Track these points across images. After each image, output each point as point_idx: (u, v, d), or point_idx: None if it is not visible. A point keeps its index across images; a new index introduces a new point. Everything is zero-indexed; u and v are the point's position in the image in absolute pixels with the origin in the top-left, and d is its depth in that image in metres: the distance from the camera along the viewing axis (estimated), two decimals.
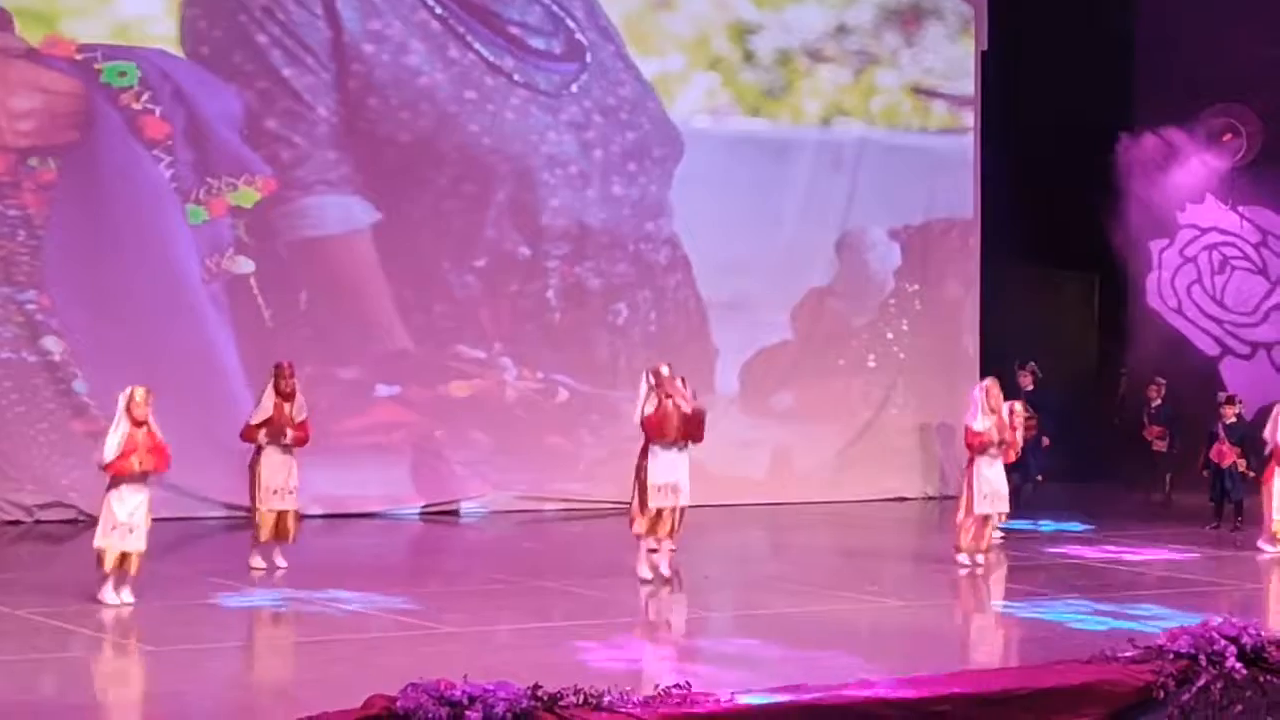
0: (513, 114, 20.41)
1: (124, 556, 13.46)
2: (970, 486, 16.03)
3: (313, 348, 19.20)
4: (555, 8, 20.69)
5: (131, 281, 18.81)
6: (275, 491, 15.31)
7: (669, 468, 14.82)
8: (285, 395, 15.33)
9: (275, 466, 15.34)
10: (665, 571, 14.91)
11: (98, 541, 13.50)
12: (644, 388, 14.90)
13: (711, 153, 21.56)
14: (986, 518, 16.12)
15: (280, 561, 15.39)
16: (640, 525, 14.86)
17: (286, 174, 19.47)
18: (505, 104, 20.38)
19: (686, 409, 14.80)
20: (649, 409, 14.74)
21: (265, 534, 15.36)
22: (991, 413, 16.09)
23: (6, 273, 18.46)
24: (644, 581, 14.81)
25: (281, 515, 15.36)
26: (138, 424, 13.43)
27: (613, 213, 20.97)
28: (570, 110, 20.75)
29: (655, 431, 14.76)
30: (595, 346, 20.94)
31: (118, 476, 13.47)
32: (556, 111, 20.67)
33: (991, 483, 16.04)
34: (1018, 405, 17.72)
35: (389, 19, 19.85)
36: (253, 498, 15.42)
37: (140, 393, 13.50)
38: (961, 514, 16.13)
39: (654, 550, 14.92)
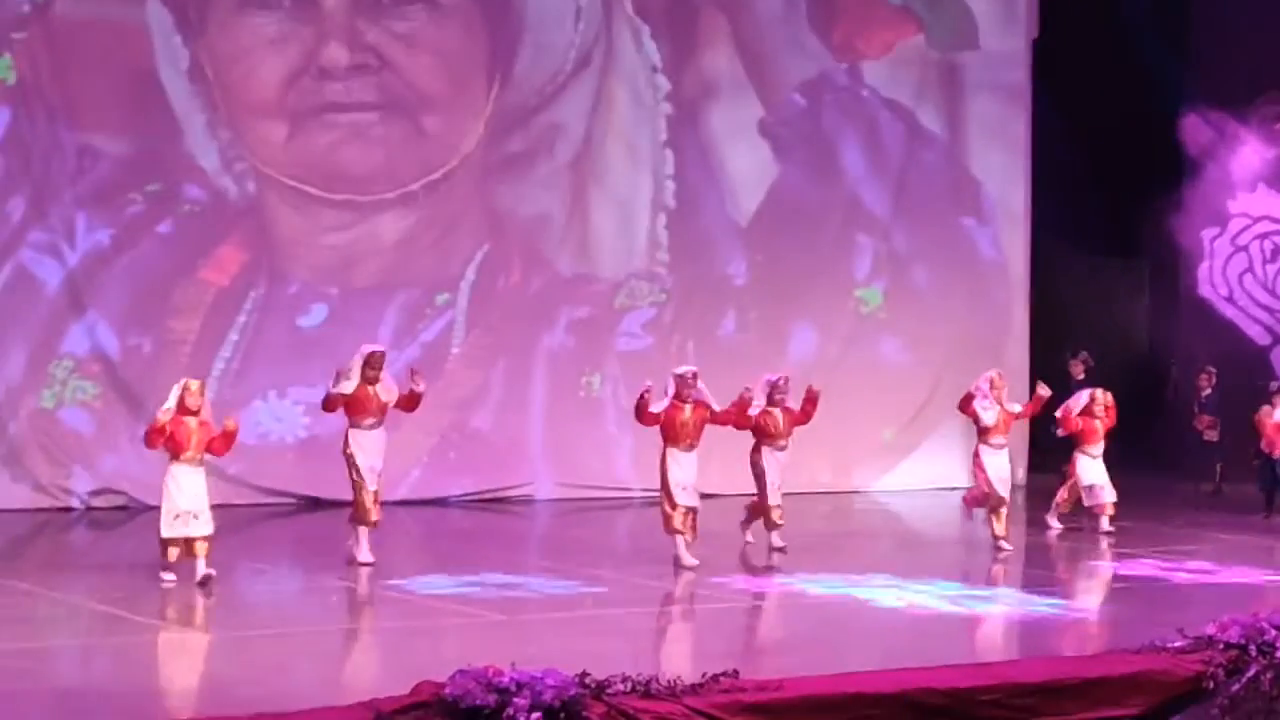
0: None
1: (190, 543, 13.80)
2: (982, 474, 16.66)
3: None
4: None
5: None
6: (370, 470, 15.03)
7: (687, 469, 15.39)
8: (370, 380, 15.05)
9: (363, 447, 15.03)
10: (691, 561, 15.21)
11: (165, 533, 13.84)
12: (668, 389, 15.50)
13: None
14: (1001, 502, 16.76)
15: (370, 556, 14.94)
16: (677, 520, 15.28)
17: None
18: None
19: (691, 415, 15.38)
20: (657, 408, 15.34)
21: (374, 515, 14.99)
22: (995, 404, 16.64)
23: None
24: (688, 568, 15.07)
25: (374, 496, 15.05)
26: (190, 413, 13.96)
27: None
28: None
29: (666, 436, 15.41)
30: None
31: (171, 458, 13.93)
32: None
33: (997, 469, 16.62)
34: (1099, 393, 17.94)
35: None
36: (353, 480, 15.06)
37: (195, 384, 14.18)
38: (985, 506, 16.80)
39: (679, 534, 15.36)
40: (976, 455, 16.80)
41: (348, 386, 15.00)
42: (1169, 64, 23.11)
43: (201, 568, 13.79)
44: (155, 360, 18.83)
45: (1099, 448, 17.83)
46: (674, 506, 15.28)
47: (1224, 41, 22.72)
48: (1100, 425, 17.77)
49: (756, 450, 16.24)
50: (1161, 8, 23.18)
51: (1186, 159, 22.74)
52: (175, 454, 13.99)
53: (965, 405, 16.82)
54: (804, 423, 16.41)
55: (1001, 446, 16.75)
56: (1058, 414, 17.89)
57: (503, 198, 20.43)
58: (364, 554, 14.93)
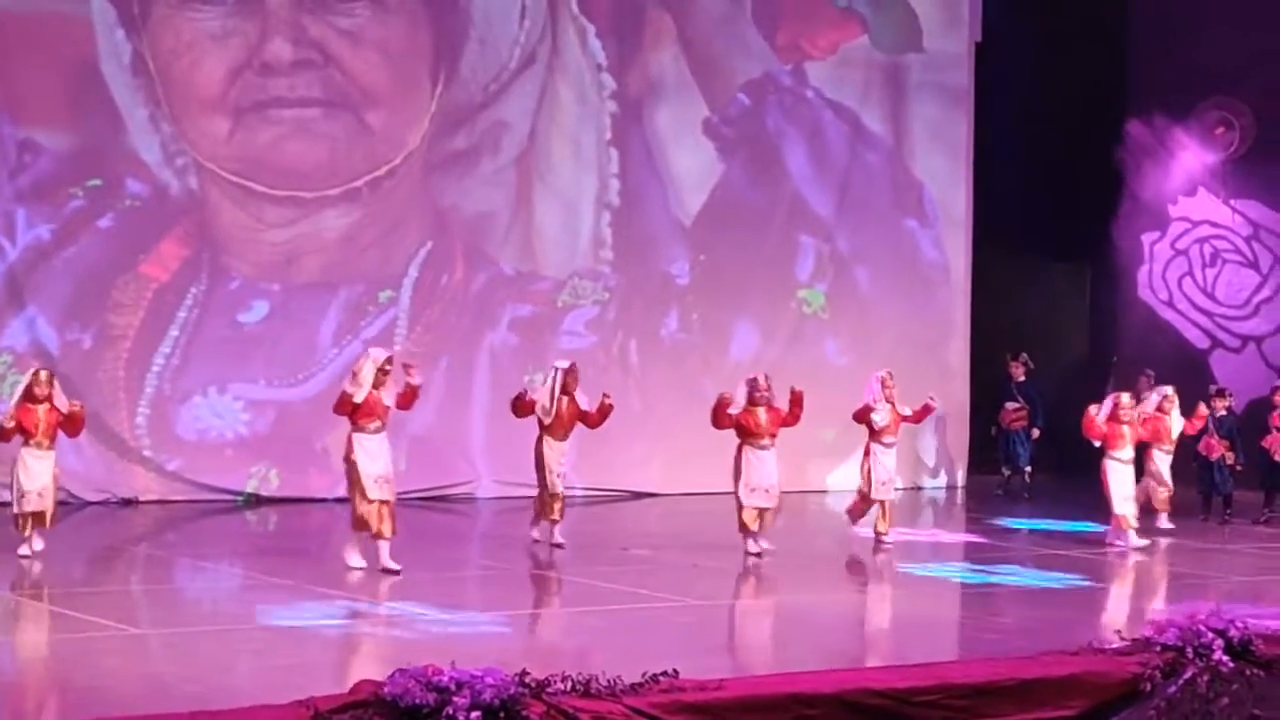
0: None
1: (39, 516, 14.73)
2: (869, 473, 16.98)
3: None
4: None
5: None
6: (376, 480, 14.54)
7: (559, 457, 16.27)
8: (378, 385, 14.67)
9: (372, 454, 14.59)
10: (560, 539, 16.21)
11: (16, 509, 14.78)
12: (550, 381, 16.25)
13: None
14: (884, 501, 17.08)
15: (392, 564, 14.50)
16: (549, 509, 16.30)
17: None
18: None
19: (584, 407, 16.31)
20: (546, 403, 16.16)
21: (374, 526, 14.47)
22: (887, 403, 16.98)
23: None
24: (535, 541, 16.25)
25: (384, 506, 14.56)
26: (38, 401, 14.70)
27: None
28: None
29: (542, 426, 16.29)
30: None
31: (22, 443, 14.73)
32: None
33: (886, 469, 16.99)
34: (1124, 396, 17.43)
35: None
36: (352, 489, 14.65)
37: (44, 374, 14.93)
38: (857, 499, 17.25)
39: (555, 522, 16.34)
40: (867, 453, 17.03)
41: (362, 394, 14.59)
42: (1109, 68, 23.25)
43: (37, 544, 14.68)
44: (95, 355, 18.76)
45: (1125, 453, 17.22)
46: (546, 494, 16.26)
47: (1164, 47, 22.85)
48: (1128, 431, 17.19)
49: (739, 450, 16.12)
50: (1102, 13, 23.31)
51: (1127, 163, 22.87)
52: (25, 440, 14.77)
53: (862, 416, 17.00)
54: (792, 424, 16.38)
55: (891, 445, 17.07)
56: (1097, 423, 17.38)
57: (447, 195, 20.41)
58: (354, 559, 14.54)
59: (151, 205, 19.19)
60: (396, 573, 14.33)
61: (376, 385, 14.67)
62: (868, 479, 17.00)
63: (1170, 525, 18.16)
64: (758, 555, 15.85)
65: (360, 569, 14.46)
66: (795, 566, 15.78)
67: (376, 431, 14.69)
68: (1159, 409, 18.11)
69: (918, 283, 22.74)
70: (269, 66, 19.39)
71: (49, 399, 14.75)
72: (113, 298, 18.97)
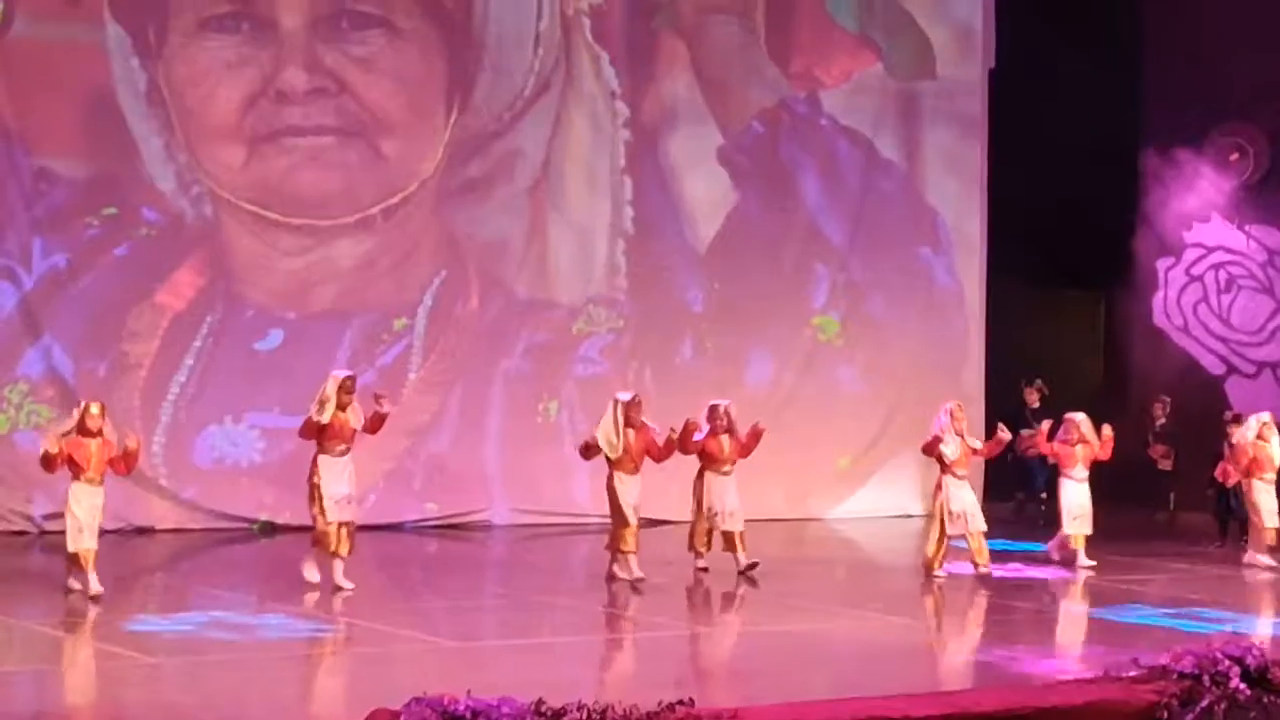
0: None
1: (88, 554, 14.49)
2: (941, 508, 16.52)
3: None
4: None
5: None
6: (338, 502, 14.97)
7: (633, 490, 15.99)
8: (342, 406, 15.06)
9: (335, 475, 15.02)
10: (640, 574, 15.78)
11: (71, 547, 14.42)
12: (611, 415, 15.99)
13: None
14: (954, 537, 16.61)
15: (346, 582, 14.97)
16: (626, 542, 15.88)
17: None
18: None
19: (651, 439, 16.08)
20: (612, 437, 15.92)
21: (333, 545, 14.93)
22: (956, 435, 16.61)
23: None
24: (618, 580, 15.77)
25: (343, 527, 15.01)
26: (91, 435, 14.51)
27: None
28: None
29: (610, 462, 16.00)
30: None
31: (72, 478, 14.53)
32: None
33: (963, 501, 16.53)
34: (1075, 418, 17.55)
35: None
36: (313, 508, 15.07)
37: (96, 407, 14.65)
38: (935, 534, 16.57)
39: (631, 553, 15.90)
40: (939, 487, 16.62)
41: (327, 415, 14.97)
42: (1124, 95, 23.25)
43: (94, 584, 14.33)
44: (111, 384, 18.76)
45: (1078, 472, 17.36)
46: (624, 525, 15.89)
47: (1180, 73, 22.85)
48: (1080, 450, 17.32)
49: (700, 475, 16.56)
50: (1117, 40, 23.32)
51: (1142, 189, 22.86)
52: (75, 475, 14.55)
53: (931, 449, 16.64)
54: (745, 456, 16.67)
55: (964, 478, 16.65)
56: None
57: (461, 223, 20.44)
58: (310, 573, 14.96)
59: (167, 234, 19.23)
60: (349, 590, 14.73)
61: (341, 406, 15.01)
62: (942, 514, 16.47)
63: (1273, 561, 17.57)
64: (749, 570, 16.21)
65: (315, 583, 14.84)
66: (806, 594, 15.75)
67: (342, 454, 15.10)
68: (1259, 436, 17.74)
69: (932, 310, 22.72)
70: (284, 95, 19.45)
71: (100, 432, 14.60)
72: (128, 326, 19.02)
